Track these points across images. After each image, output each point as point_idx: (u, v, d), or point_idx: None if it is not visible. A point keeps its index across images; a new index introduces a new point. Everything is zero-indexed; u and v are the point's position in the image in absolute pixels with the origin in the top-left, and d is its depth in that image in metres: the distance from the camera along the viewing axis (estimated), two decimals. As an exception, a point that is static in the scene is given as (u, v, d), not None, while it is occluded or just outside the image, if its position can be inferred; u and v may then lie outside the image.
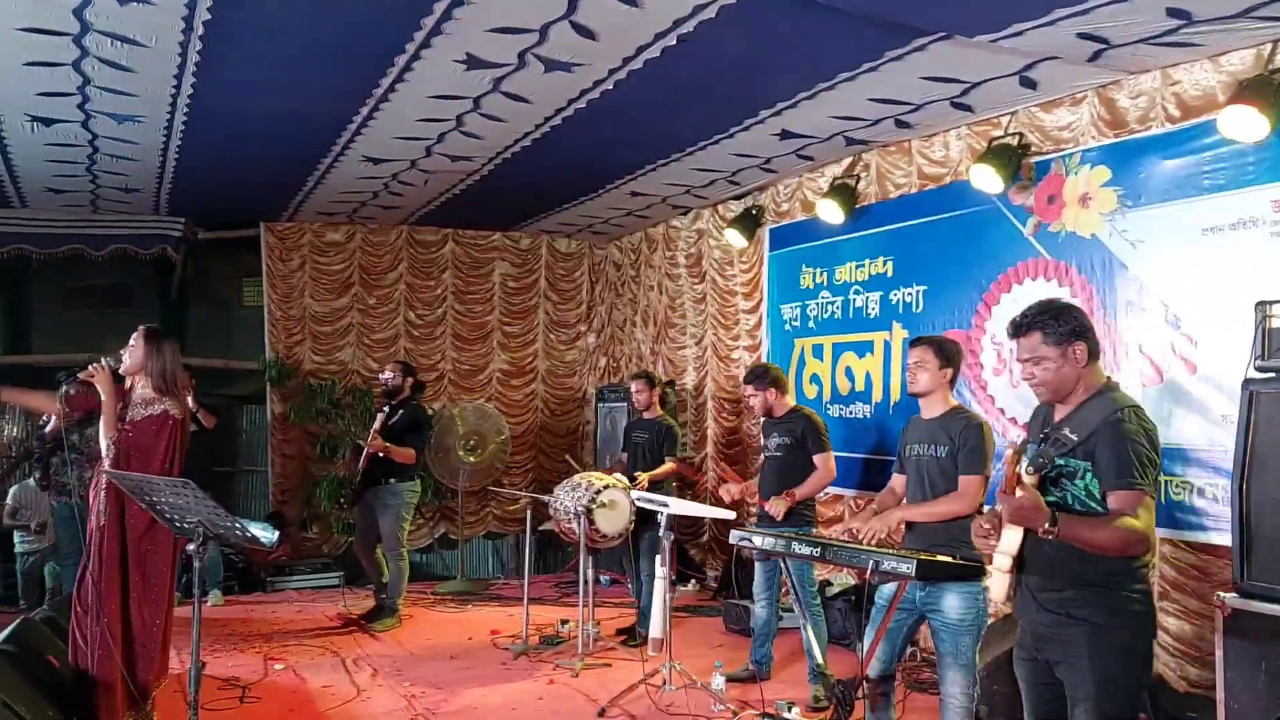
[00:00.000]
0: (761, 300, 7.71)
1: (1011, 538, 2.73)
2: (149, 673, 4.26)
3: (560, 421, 10.04)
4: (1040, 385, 2.88)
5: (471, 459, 8.56)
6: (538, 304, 10.01)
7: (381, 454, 6.81)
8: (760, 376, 5.60)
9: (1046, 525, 2.63)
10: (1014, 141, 5.40)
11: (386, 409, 7.03)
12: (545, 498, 6.50)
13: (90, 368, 4.31)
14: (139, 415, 4.31)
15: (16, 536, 7.53)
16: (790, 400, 5.68)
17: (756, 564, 5.58)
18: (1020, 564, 2.80)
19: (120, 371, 4.36)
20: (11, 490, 7.57)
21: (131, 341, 4.43)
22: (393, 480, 6.93)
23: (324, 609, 7.47)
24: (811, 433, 5.40)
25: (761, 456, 5.82)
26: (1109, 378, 2.95)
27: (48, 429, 6.88)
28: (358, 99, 5.76)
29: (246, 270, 9.40)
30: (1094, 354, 2.87)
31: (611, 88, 5.40)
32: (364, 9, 4.55)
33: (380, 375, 7.52)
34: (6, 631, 4.34)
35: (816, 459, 5.37)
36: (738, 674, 5.48)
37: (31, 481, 7.47)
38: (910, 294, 6.34)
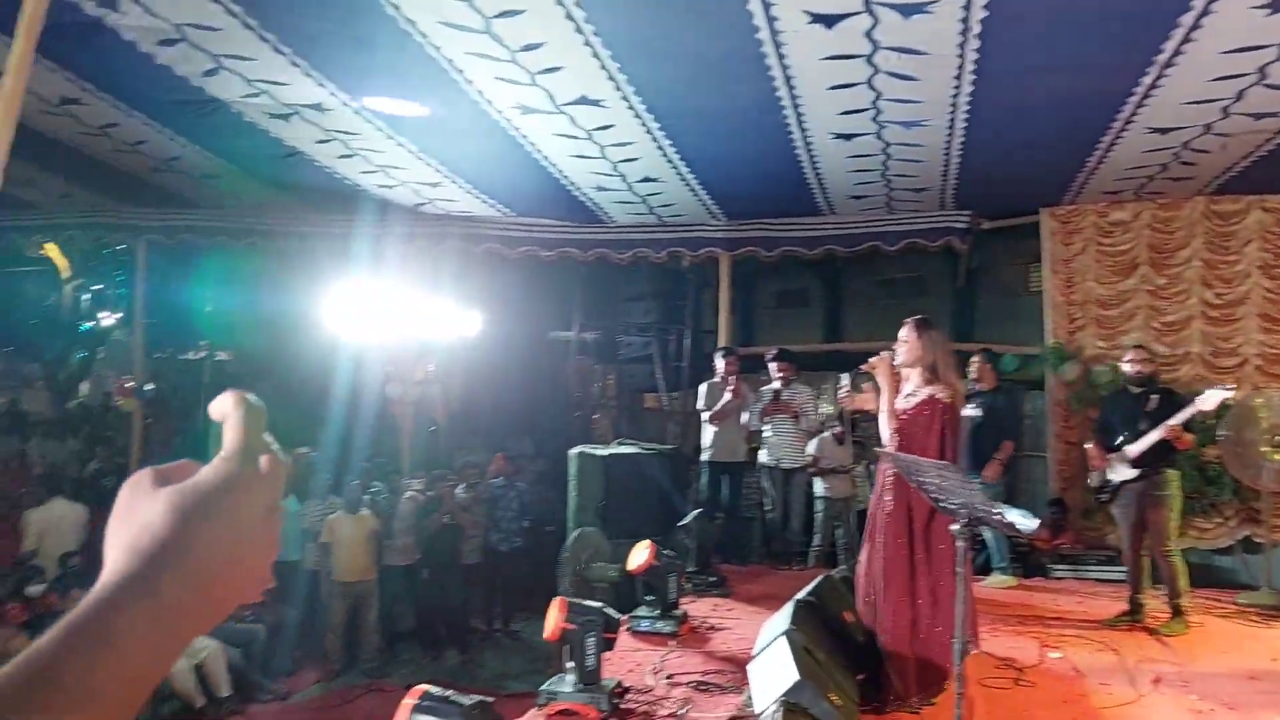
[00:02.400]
0: None
1: None
2: (942, 655, 4.45)
3: None
4: None
5: (1278, 456, 7.46)
6: (1375, 273, 8.32)
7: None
8: None
9: None
10: None
11: (1200, 401, 6.25)
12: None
13: (871, 360, 4.74)
14: (910, 403, 4.63)
15: (818, 484, 8.62)
16: None
17: None
18: None
19: (896, 364, 4.70)
20: (812, 442, 8.67)
21: (902, 335, 4.74)
22: (1166, 469, 6.35)
23: (1105, 604, 7.16)
24: None
25: None
26: None
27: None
28: (1138, 69, 5.44)
29: (1033, 256, 9.44)
30: None
31: None
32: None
33: (1126, 363, 6.80)
34: (811, 585, 5.03)
35: None
36: None
37: (828, 434, 8.52)
38: None
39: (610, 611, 4.65)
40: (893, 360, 4.71)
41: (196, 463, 0.66)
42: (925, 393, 4.59)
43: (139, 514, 0.63)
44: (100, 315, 15.61)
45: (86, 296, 15.55)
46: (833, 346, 10.27)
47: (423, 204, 9.49)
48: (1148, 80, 5.59)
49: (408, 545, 8.95)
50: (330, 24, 5.41)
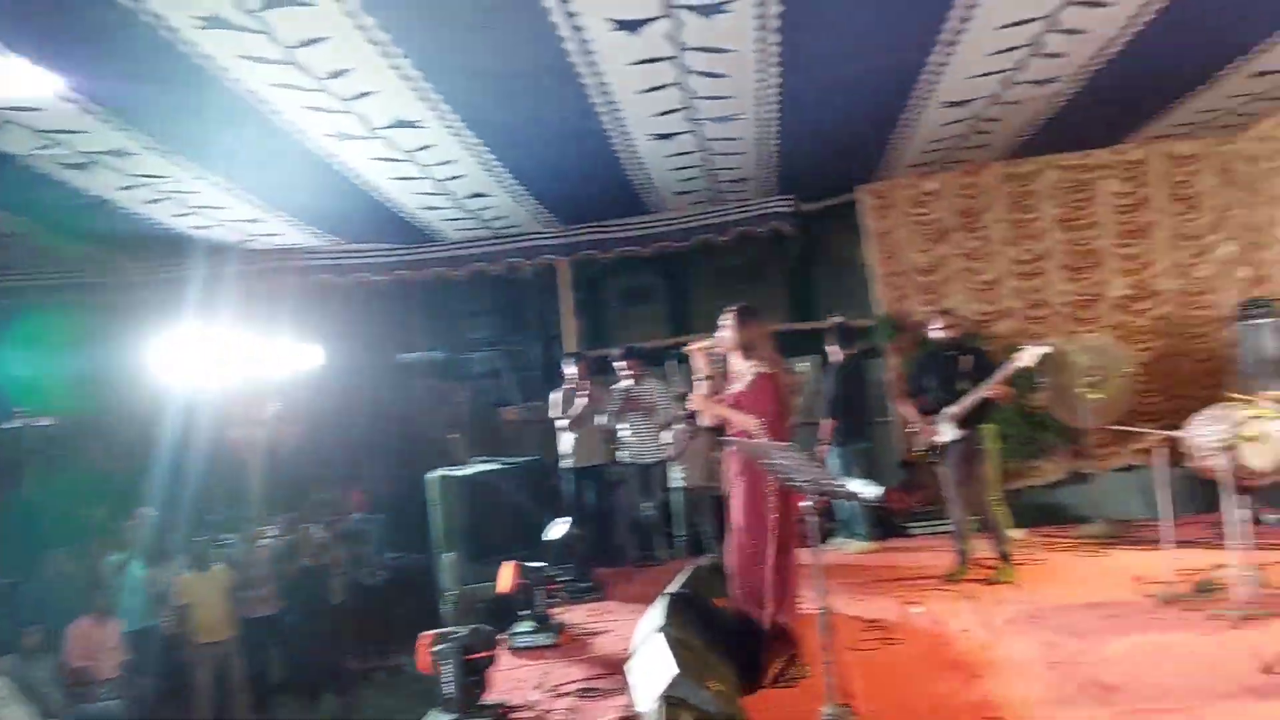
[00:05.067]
0: None
1: None
2: (787, 615, 4.75)
3: (1197, 345, 8.96)
4: None
5: (1095, 395, 7.99)
6: (1156, 219, 9.04)
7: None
8: None
9: None
10: None
11: (1018, 358, 6.63)
12: (1179, 433, 5.89)
13: (689, 345, 5.05)
14: (742, 384, 4.91)
15: (675, 474, 8.63)
16: None
17: None
18: None
19: (720, 350, 5.01)
20: (665, 433, 8.71)
21: (723, 323, 5.07)
22: (984, 424, 6.75)
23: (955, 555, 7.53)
24: None
25: None
26: None
27: None
28: (927, 47, 5.77)
29: (858, 232, 9.81)
30: None
31: (1210, -41, 4.75)
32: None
33: (934, 329, 7.05)
34: (681, 576, 5.15)
35: None
36: None
37: (681, 425, 8.61)
38: None
39: (482, 632, 4.65)
40: (713, 348, 5.00)
41: None
42: (752, 371, 4.88)
43: None
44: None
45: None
46: (679, 339, 10.43)
47: (246, 241, 9.19)
48: (936, 58, 5.93)
49: (269, 594, 8.65)
50: (125, 63, 5.19)
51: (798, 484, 3.91)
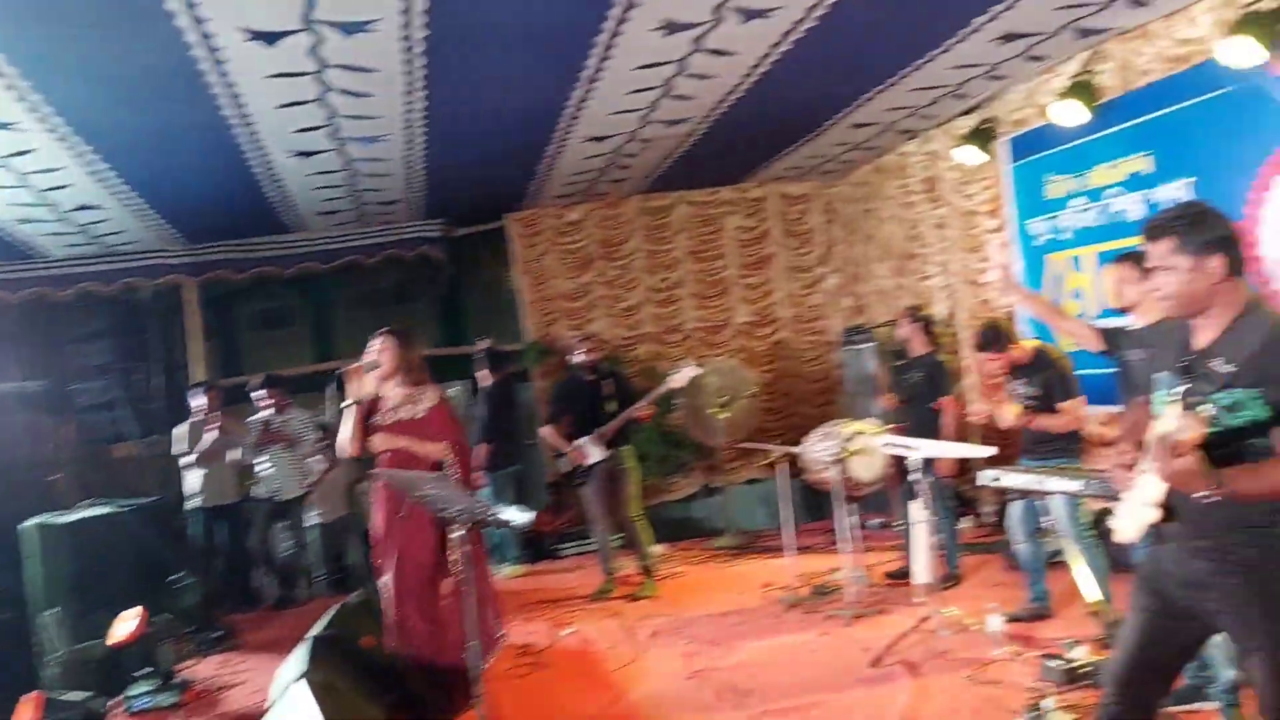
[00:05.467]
0: (1008, 218, 7.28)
1: (1157, 488, 2.39)
2: (455, 649, 4.59)
3: (811, 367, 9.97)
4: (1165, 298, 2.52)
5: (724, 414, 8.61)
6: (774, 252, 9.97)
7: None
8: (994, 340, 5.22)
9: (1209, 490, 2.31)
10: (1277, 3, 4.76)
11: (673, 380, 7.02)
12: (797, 449, 6.48)
13: (351, 367, 4.76)
14: (421, 409, 4.71)
15: (312, 511, 8.18)
16: (1029, 344, 5.34)
17: (1011, 500, 5.33)
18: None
19: (377, 374, 4.76)
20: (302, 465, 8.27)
21: (380, 345, 4.81)
22: (626, 445, 7.07)
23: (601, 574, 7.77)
24: (1058, 382, 5.05)
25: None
26: (1254, 294, 2.53)
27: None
28: (569, 83, 5.93)
29: (506, 258, 9.90)
30: (1235, 269, 2.46)
31: (815, 24, 5.27)
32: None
33: (577, 355, 7.29)
34: (326, 617, 4.87)
35: (1064, 406, 5.01)
36: (1019, 614, 5.28)
37: (318, 456, 8.16)
38: (1177, 189, 5.76)
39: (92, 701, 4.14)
40: (367, 370, 4.75)
41: None
42: (430, 396, 4.72)
43: None
44: None
45: None
46: (324, 366, 9.95)
47: None
48: (578, 93, 6.13)
49: None
50: None
51: (451, 514, 3.83)
